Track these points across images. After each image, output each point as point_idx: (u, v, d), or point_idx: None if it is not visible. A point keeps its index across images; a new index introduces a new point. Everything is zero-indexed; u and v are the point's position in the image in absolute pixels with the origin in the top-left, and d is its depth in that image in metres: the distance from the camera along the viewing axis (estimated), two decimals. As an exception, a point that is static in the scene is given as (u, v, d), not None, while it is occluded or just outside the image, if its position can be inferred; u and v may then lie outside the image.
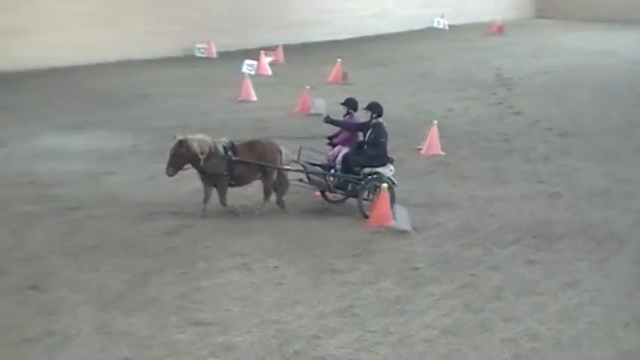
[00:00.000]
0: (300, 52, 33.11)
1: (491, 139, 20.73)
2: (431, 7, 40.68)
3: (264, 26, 34.02)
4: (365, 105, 15.36)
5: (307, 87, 23.50)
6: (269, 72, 28.75)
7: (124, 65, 28.79)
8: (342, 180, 15.12)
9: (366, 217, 14.76)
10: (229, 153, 14.71)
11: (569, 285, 12.30)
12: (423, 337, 10.63)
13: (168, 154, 14.46)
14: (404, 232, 14.14)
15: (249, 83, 24.73)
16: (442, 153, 19.23)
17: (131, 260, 12.74)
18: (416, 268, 12.76)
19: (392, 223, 14.35)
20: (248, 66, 26.00)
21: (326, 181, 15.21)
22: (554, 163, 18.74)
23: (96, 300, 11.39)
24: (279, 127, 21.53)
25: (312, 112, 22.93)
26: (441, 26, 41.09)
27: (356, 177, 15.00)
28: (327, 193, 15.59)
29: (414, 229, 14.25)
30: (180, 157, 14.42)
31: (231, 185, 14.85)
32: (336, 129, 15.74)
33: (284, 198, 15.16)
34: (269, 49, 30.66)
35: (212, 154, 14.55)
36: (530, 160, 18.93)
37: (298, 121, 22.38)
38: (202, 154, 14.45)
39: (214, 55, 31.78)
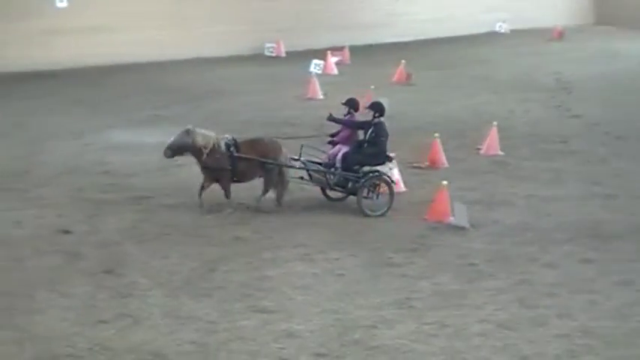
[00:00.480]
0: (366, 53, 33.41)
1: (549, 140, 20.75)
2: (493, 12, 40.63)
3: (332, 27, 34.41)
4: (368, 104, 15.65)
5: (372, 87, 23.81)
6: (335, 71, 29.14)
7: (196, 63, 29.40)
8: (342, 178, 15.28)
9: (366, 215, 14.96)
10: (232, 149, 14.92)
11: (622, 284, 12.38)
12: (478, 331, 10.81)
13: (173, 138, 14.85)
14: (462, 228, 14.41)
15: (315, 82, 25.15)
16: (501, 153, 19.37)
17: (199, 248, 13.21)
18: (472, 264, 13.01)
19: (450, 219, 14.68)
20: (315, 65, 26.43)
21: (326, 178, 15.37)
22: (610, 166, 18.77)
23: (165, 285, 11.84)
24: (343, 124, 21.91)
25: (377, 111, 23.26)
26: (502, 31, 40.99)
27: (355, 175, 15.16)
28: (328, 191, 15.75)
29: (472, 225, 14.49)
30: (183, 145, 14.79)
31: (233, 181, 15.08)
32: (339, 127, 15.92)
33: (284, 196, 15.31)
34: (335, 50, 31.05)
35: (215, 149, 14.80)
36: (587, 162, 18.96)
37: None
38: (206, 148, 14.76)
39: (283, 55, 32.22)
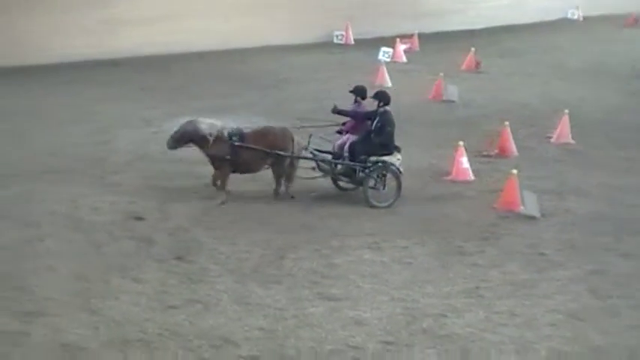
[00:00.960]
0: (435, 40, 33.24)
1: (623, 128, 20.48)
2: (565, -1, 40.15)
3: (401, 15, 34.28)
4: (373, 93, 15.32)
5: (441, 74, 23.74)
6: (404, 59, 29.06)
7: (263, 51, 29.51)
8: (348, 168, 15.03)
9: (372, 206, 14.71)
10: (233, 138, 14.74)
11: (698, 274, 12.17)
12: (548, 321, 10.75)
13: (176, 128, 14.90)
14: (532, 217, 14.31)
15: (384, 69, 25.10)
16: (572, 141, 19.17)
17: (267, 236, 13.29)
18: (543, 253, 12.91)
19: (520, 208, 14.56)
20: (384, 53, 26.38)
21: (332, 168, 15.17)
22: (687, 155, 18.46)
23: (235, 272, 11.94)
24: (412, 112, 21.86)
25: (445, 98, 23.22)
26: (575, 17, 40.46)
27: (361, 165, 14.88)
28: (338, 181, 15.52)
29: (542, 215, 14.38)
30: (186, 134, 14.74)
31: (238, 172, 14.93)
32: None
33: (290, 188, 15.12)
34: (404, 37, 30.95)
35: (219, 138, 14.68)
36: (664, 151, 18.66)
37: (431, 106, 22.69)
38: (211, 135, 14.67)
39: (352, 42, 32.21)
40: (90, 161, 16.67)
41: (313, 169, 15.42)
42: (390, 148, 15.00)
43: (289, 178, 15.13)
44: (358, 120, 15.45)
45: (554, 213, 14.62)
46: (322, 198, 15.15)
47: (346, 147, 15.23)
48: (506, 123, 18.25)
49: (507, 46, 32.93)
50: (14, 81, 22.88)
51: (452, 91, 23.25)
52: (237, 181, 15.11)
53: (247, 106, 21.77)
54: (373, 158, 14.91)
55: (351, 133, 15.48)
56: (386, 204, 14.85)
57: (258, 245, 12.93)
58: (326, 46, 31.58)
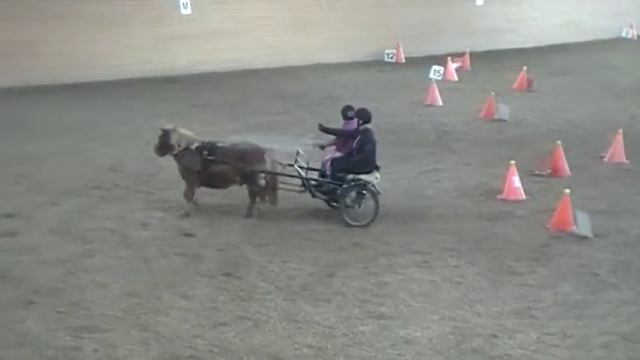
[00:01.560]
0: (486, 59, 33.11)
1: (679, 149, 20.18)
2: (619, 17, 39.72)
3: (452, 33, 34.25)
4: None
5: (492, 93, 23.62)
6: (455, 77, 28.99)
7: (316, 69, 29.60)
8: (328, 185, 14.87)
9: (347, 224, 14.45)
10: (204, 152, 14.70)
11: None
12: (601, 342, 10.59)
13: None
14: (584, 237, 14.13)
15: (435, 88, 25.06)
16: (626, 161, 18.92)
17: (317, 253, 13.27)
18: (595, 274, 12.72)
19: (573, 228, 14.40)
20: (435, 71, 26.33)
21: (308, 185, 14.95)
22: None
23: (284, 289, 11.92)
24: (462, 131, 21.81)
25: (496, 117, 23.09)
26: (629, 36, 40.07)
27: (336, 182, 14.68)
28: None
29: (595, 235, 14.18)
30: (162, 143, 14.92)
31: (206, 185, 14.93)
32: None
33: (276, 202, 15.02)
34: (456, 56, 30.88)
35: (187, 149, 14.73)
36: None
37: (482, 125, 22.58)
38: (179, 146, 14.75)
39: (402, 61, 32.20)
40: (141, 177, 16.78)
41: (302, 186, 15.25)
42: (369, 167, 14.72)
43: (272, 200, 15.02)
44: (342, 138, 15.45)
45: (607, 233, 14.40)
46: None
47: (328, 164, 15.17)
48: (559, 142, 18.08)
49: (559, 64, 32.70)
50: (76, 98, 23.15)
51: (503, 110, 23.13)
52: (284, 200, 15.12)
53: (297, 124, 21.83)
54: (351, 176, 14.68)
55: (338, 150, 15.47)
56: (363, 223, 14.59)
57: (308, 263, 12.91)
58: (376, 64, 31.60)
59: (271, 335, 10.59)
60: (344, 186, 14.64)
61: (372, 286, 12.15)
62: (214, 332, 10.61)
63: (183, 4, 27.60)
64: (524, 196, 16.24)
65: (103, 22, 25.82)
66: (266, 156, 14.93)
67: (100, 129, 20.57)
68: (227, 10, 28.86)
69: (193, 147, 14.82)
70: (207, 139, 15.18)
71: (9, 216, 14.24)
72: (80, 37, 25.46)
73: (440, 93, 25.06)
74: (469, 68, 31.19)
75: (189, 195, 14.90)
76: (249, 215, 14.87)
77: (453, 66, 29.37)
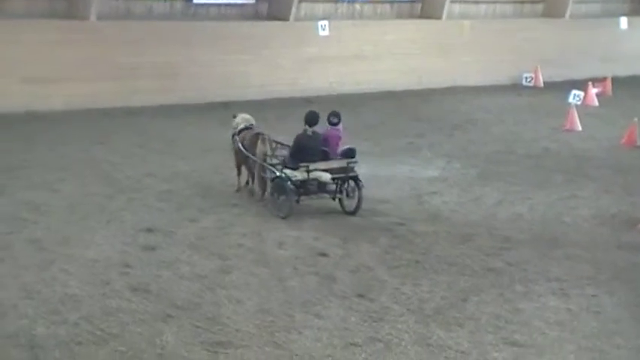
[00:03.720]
0: (629, 85, 32.31)
1: None
2: None
3: (593, 58, 33.58)
4: None
5: (635, 119, 23.03)
6: (595, 103, 28.39)
7: (453, 92, 29.50)
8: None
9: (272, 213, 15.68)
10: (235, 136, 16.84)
11: None
12: None
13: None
14: None
15: (574, 113, 24.60)
16: None
17: (450, 277, 13.17)
18: None
19: None
20: (575, 96, 25.87)
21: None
22: None
23: (416, 312, 11.86)
24: (602, 157, 21.36)
25: (638, 144, 22.52)
26: None
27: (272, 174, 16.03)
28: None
29: None
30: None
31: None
32: None
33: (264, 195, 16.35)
34: (597, 81, 30.26)
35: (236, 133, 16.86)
36: None
37: (623, 152, 22.05)
38: (234, 129, 17.05)
39: (541, 85, 31.75)
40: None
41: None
42: (292, 164, 15.72)
43: (261, 184, 16.44)
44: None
45: None
46: (508, 241, 14.90)
47: None
48: None
49: None
50: (222, 117, 23.51)
51: (646, 137, 22.56)
52: (420, 220, 15.06)
53: (432, 147, 21.76)
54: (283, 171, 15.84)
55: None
56: (280, 214, 15.57)
57: (441, 286, 12.83)
58: (514, 88, 31.26)
59: (403, 358, 10.55)
60: (274, 178, 16.00)
61: (507, 313, 11.99)
62: (346, 352, 10.63)
63: (321, 26, 27.92)
64: (667, 228, 15.77)
65: (246, 45, 26.31)
66: (260, 144, 16.21)
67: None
68: (367, 33, 29.05)
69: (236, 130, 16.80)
70: (245, 125, 16.85)
71: (149, 230, 14.63)
72: (226, 58, 26.02)
73: (579, 118, 24.59)
74: (610, 94, 30.50)
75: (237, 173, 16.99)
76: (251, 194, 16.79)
77: (593, 91, 28.77)
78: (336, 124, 16.38)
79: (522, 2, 33.90)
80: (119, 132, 21.69)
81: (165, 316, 11.44)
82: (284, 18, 27.44)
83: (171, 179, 17.79)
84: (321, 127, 16.39)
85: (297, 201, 15.70)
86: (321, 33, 27.93)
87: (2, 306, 11.45)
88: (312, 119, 16.07)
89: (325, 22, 28.01)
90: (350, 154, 16.17)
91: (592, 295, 12.68)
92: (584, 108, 26.38)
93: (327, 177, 15.74)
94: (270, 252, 13.97)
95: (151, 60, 24.90)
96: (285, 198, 15.59)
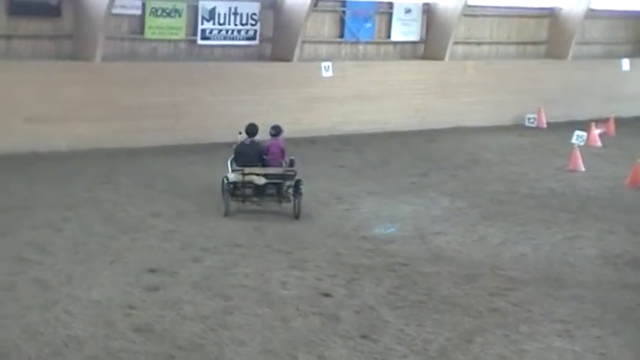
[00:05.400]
0: (632, 125, 32.39)
1: None
2: None
3: (596, 98, 33.67)
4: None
5: (638, 160, 23.05)
6: (599, 143, 28.43)
7: (455, 132, 29.56)
8: None
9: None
10: None
11: None
12: None
13: None
14: None
15: (578, 153, 24.64)
16: None
17: (455, 318, 13.12)
18: None
19: None
20: (578, 136, 25.90)
21: None
22: None
23: (420, 354, 11.81)
24: (606, 197, 21.39)
25: (643, 185, 22.55)
26: None
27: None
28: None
29: None
30: None
31: None
32: None
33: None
34: (599, 121, 30.33)
35: None
36: None
37: (627, 193, 22.06)
38: None
39: (544, 125, 31.81)
40: (281, 236, 16.97)
41: None
42: (232, 167, 18.17)
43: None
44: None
45: None
46: (513, 281, 14.87)
47: None
48: None
49: None
50: (224, 156, 23.51)
51: (650, 178, 22.57)
52: (424, 260, 15.01)
53: (435, 186, 21.76)
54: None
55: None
56: (222, 212, 17.94)
57: (445, 327, 12.78)
58: (517, 128, 31.30)
59: (407, 399, 10.53)
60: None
61: (512, 354, 11.94)
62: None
63: (325, 67, 28.07)
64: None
65: (253, 84, 26.40)
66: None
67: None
68: (370, 74, 29.15)
69: None
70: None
71: (153, 271, 14.61)
72: (230, 98, 26.11)
73: (583, 159, 24.62)
74: (613, 134, 30.55)
75: None
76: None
77: (596, 131, 28.82)
78: (275, 136, 18.87)
79: (525, 43, 34.06)
80: (123, 172, 21.74)
81: (169, 357, 11.41)
82: (288, 59, 27.59)
83: (175, 219, 17.79)
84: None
85: (243, 201, 18.22)
86: (325, 74, 28.06)
87: (4, 347, 11.43)
88: (250, 130, 18.51)
89: (329, 64, 28.16)
90: (291, 163, 18.45)
91: (597, 337, 12.63)
92: (587, 148, 26.41)
93: (260, 180, 17.93)
94: (273, 292, 13.94)
95: (156, 100, 25.00)
96: (224, 197, 18.00)
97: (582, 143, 25.48)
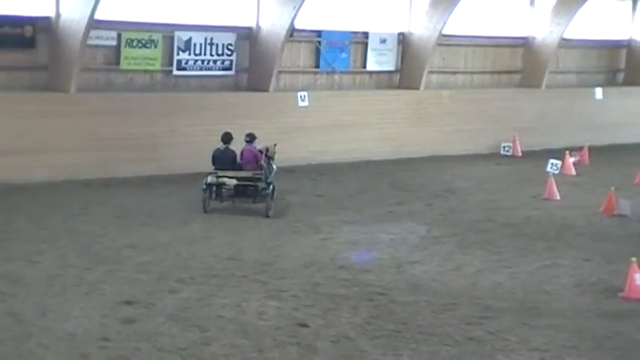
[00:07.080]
0: (606, 154, 32.66)
1: None
2: None
3: (570, 127, 33.97)
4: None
5: (612, 188, 23.22)
6: (573, 172, 28.63)
7: (432, 160, 29.71)
8: None
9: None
10: None
11: None
12: None
13: None
14: None
15: (553, 182, 24.78)
16: None
17: (432, 348, 13.09)
18: None
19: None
20: (552, 165, 26.08)
21: None
22: None
23: (398, 383, 11.89)
24: (582, 225, 21.49)
25: (617, 212, 22.65)
26: None
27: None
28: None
29: None
30: None
31: None
32: None
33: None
34: (574, 150, 30.54)
35: None
36: None
37: (602, 220, 22.18)
38: None
39: (519, 154, 32.02)
40: (259, 266, 16.95)
41: None
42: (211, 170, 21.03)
43: None
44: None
45: None
46: (490, 310, 14.88)
47: None
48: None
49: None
50: (200, 187, 23.50)
51: (624, 205, 22.68)
52: (401, 290, 14.97)
53: (412, 215, 21.82)
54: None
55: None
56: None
57: (422, 357, 12.76)
58: (493, 157, 31.49)
59: None
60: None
61: (489, 383, 11.96)
62: None
63: (300, 96, 28.18)
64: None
65: (229, 115, 26.35)
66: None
67: (226, 218, 20.84)
68: (346, 103, 29.31)
69: None
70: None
71: (128, 303, 14.51)
72: (207, 128, 26.06)
73: (558, 187, 24.77)
74: (588, 162, 30.78)
75: None
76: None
77: (571, 160, 29.02)
78: (249, 142, 21.52)
79: (500, 73, 34.37)
80: (99, 203, 21.65)
81: (145, 389, 11.31)
82: (264, 89, 27.68)
83: (151, 250, 17.71)
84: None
85: (221, 201, 21.09)
86: (301, 104, 28.17)
87: (-22, 381, 11.31)
88: (224, 138, 21.37)
89: (304, 93, 28.28)
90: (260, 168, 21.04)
91: (573, 365, 12.63)
92: (562, 177, 26.62)
93: (231, 182, 20.75)
94: (250, 323, 13.88)
95: (132, 131, 24.98)
96: (203, 197, 20.80)
97: (557, 171, 25.67)
